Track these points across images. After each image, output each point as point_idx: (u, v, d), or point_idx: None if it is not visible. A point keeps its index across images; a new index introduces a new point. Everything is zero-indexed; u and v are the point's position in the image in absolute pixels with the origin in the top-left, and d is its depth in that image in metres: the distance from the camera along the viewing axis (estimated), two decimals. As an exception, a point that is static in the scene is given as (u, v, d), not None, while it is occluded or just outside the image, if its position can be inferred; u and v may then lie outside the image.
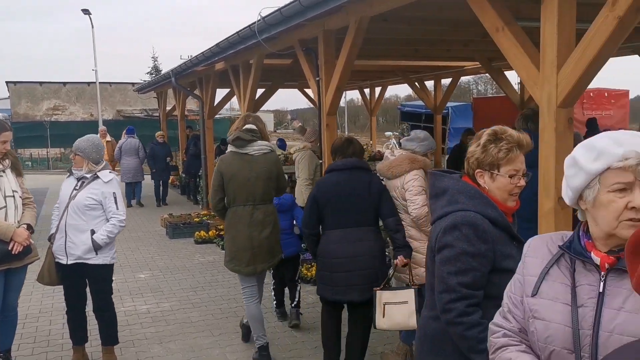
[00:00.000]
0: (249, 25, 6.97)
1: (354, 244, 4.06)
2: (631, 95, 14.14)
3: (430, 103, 14.76)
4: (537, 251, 1.75)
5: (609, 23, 3.13)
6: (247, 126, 4.78)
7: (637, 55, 10.69)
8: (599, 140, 1.60)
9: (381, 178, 4.53)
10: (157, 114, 22.78)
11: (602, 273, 1.57)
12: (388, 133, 34.99)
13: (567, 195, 1.71)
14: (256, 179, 4.62)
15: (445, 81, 15.57)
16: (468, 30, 8.47)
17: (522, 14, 5.76)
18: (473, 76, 50.19)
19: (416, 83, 14.85)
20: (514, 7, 5.79)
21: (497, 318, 1.84)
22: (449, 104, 18.03)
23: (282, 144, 15.19)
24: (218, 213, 4.82)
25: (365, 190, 4.10)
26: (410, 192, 4.14)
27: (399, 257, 4.16)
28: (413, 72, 14.50)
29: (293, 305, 5.71)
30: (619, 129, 13.69)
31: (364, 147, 14.56)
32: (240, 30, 7.38)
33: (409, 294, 3.90)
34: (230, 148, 4.75)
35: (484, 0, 4.01)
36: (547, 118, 3.57)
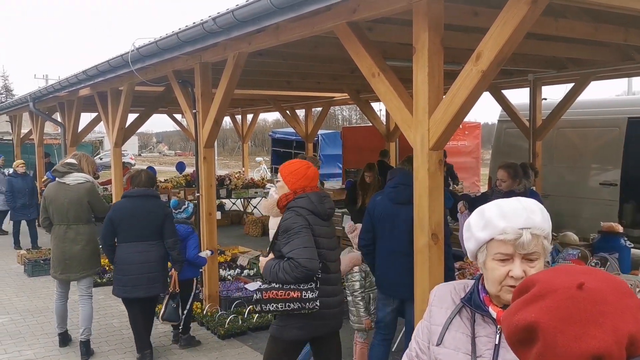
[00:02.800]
0: (122, 55, 6.73)
1: (140, 254, 5.30)
2: (482, 122, 15.54)
3: (302, 131, 15.12)
4: (442, 301, 1.85)
5: (473, 76, 3.47)
6: (68, 160, 6.07)
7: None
8: (488, 209, 1.72)
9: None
10: (9, 138, 20.96)
11: (498, 326, 1.70)
12: (259, 159, 35.10)
13: (467, 253, 1.85)
14: (69, 204, 5.72)
15: (316, 109, 16.09)
16: (338, 66, 8.88)
17: (399, 55, 6.17)
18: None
19: (287, 111, 15.16)
20: (389, 50, 6.19)
21: None
22: (320, 132, 18.64)
23: (181, 166, 14.69)
24: (46, 229, 6.00)
25: (151, 214, 5.33)
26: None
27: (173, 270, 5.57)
28: (284, 101, 14.80)
29: (180, 329, 5.92)
30: (473, 157, 14.93)
31: (237, 174, 14.46)
32: (111, 59, 7.09)
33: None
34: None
35: (360, 47, 4.25)
36: (420, 159, 3.84)
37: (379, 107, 12.97)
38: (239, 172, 15.89)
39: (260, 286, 3.53)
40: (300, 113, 15.95)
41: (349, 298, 4.76)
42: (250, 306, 6.60)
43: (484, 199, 5.67)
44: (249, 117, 18.54)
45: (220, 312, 6.54)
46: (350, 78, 10.18)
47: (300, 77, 10.12)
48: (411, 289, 3.98)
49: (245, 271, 8.62)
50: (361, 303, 4.65)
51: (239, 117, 18.71)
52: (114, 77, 7.83)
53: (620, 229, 7.15)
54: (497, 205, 1.73)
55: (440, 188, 3.87)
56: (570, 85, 9.23)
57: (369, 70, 4.24)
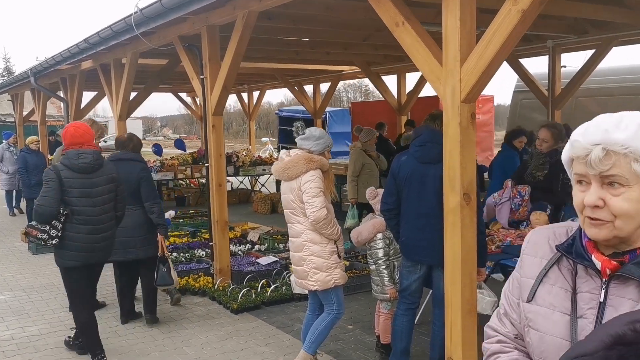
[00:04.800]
0: (124, 18, 6.41)
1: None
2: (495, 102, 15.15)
3: (310, 107, 14.77)
4: (537, 249, 1.53)
5: (512, 17, 3.15)
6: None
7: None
8: (578, 127, 1.43)
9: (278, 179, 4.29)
10: (12, 120, 20.72)
11: (604, 280, 1.37)
12: (264, 139, 34.86)
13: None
14: None
15: (324, 87, 15.74)
16: (349, 33, 8.53)
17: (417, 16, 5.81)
18: (343, 84, 51.68)
19: (295, 87, 14.80)
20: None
21: (494, 320, 1.64)
22: (327, 109, 18.26)
23: (158, 149, 14.41)
24: None
25: (125, 178, 5.17)
26: (308, 194, 3.93)
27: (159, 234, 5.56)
28: (292, 76, 14.43)
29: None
30: (486, 131, 14.58)
31: (245, 152, 14.17)
32: (113, 24, 6.78)
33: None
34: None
35: (384, -6, 3.92)
36: (450, 113, 3.53)
37: (394, 84, 12.51)
38: (247, 148, 15.58)
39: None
40: (308, 90, 15.59)
41: (372, 267, 4.49)
42: (264, 280, 6.35)
43: (524, 167, 5.34)
44: (255, 94, 18.18)
45: (232, 287, 6.29)
46: (362, 47, 9.82)
47: (310, 47, 9.75)
48: (441, 254, 3.70)
49: (257, 246, 8.36)
50: (385, 272, 4.38)
51: (244, 96, 18.36)
52: (117, 45, 7.52)
53: None
54: (585, 123, 1.41)
55: (472, 144, 3.57)
56: (590, 53, 8.86)
57: (392, 19, 3.91)
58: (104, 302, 6.27)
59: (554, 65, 9.14)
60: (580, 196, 1.37)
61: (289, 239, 4.28)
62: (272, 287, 6.23)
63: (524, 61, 9.76)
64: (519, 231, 4.78)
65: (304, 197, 3.97)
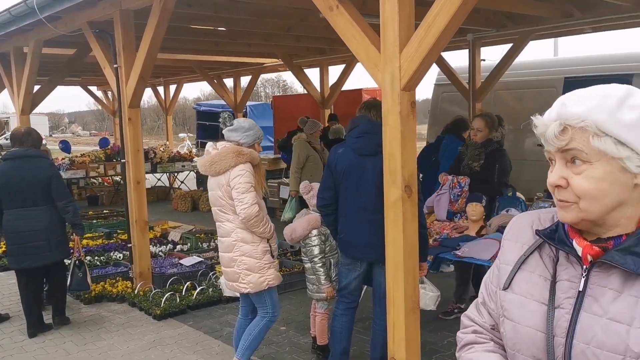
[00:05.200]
0: (25, 0, 5.80)
1: (24, 221, 4.91)
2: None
3: (231, 101, 14.34)
4: (519, 234, 1.41)
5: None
6: None
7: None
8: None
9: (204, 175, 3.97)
10: None
11: (585, 267, 1.25)
12: (182, 135, 33.86)
13: None
14: None
15: (244, 80, 15.33)
16: (272, 22, 8.25)
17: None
18: (261, 79, 51.09)
19: (214, 80, 14.31)
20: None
21: (471, 310, 1.51)
22: (248, 104, 17.87)
23: (65, 146, 13.50)
24: None
25: (33, 176, 4.91)
26: (237, 189, 3.65)
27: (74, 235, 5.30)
28: (211, 69, 13.94)
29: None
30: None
31: (162, 148, 13.55)
32: (12, 7, 6.13)
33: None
34: None
35: (316, -25, 3.69)
36: (390, 102, 3.36)
37: (317, 78, 12.32)
38: (164, 144, 14.92)
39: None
40: (228, 83, 15.14)
41: (307, 265, 4.27)
42: (188, 282, 5.99)
43: (460, 159, 5.26)
44: (172, 88, 17.48)
45: (154, 291, 5.88)
46: (284, 38, 9.56)
47: (230, 38, 9.39)
48: (381, 250, 3.53)
49: (178, 246, 7.93)
50: (322, 270, 4.16)
51: (160, 89, 17.61)
52: (18, 32, 6.85)
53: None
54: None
55: (413, 134, 3.42)
56: (508, 47, 9.06)
57: (325, 3, 3.69)
58: (7, 315, 5.68)
59: (474, 59, 9.29)
60: (549, 176, 1.27)
61: (218, 238, 3.98)
62: (198, 289, 5.87)
63: (445, 54, 9.87)
64: (453, 223, 4.72)
65: (234, 193, 3.68)
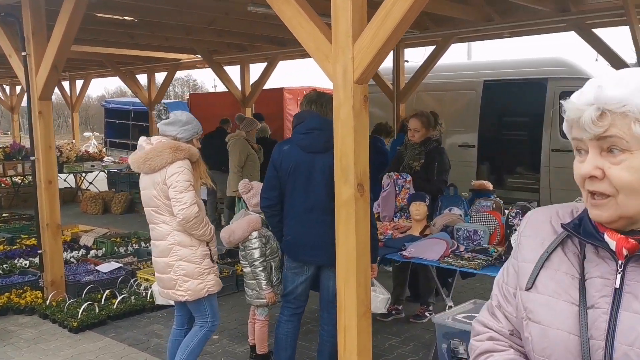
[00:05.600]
0: None
1: None
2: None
3: (145, 98, 13.64)
4: (538, 229, 1.27)
5: (414, -12, 2.88)
6: None
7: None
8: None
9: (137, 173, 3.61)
10: None
11: (620, 262, 1.14)
12: (87, 134, 32.20)
13: None
14: None
15: (158, 77, 14.68)
16: (194, 15, 7.87)
17: None
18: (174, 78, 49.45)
19: (127, 76, 13.56)
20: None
21: (483, 314, 1.36)
22: (162, 102, 17.18)
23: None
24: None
25: None
26: (175, 188, 3.34)
27: None
28: (123, 63, 13.20)
29: None
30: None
31: (70, 145, 12.67)
32: None
33: None
34: None
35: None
36: (342, 95, 3.19)
37: (237, 76, 11.96)
38: (71, 142, 13.97)
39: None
40: (141, 79, 14.45)
41: (247, 269, 4.01)
42: (108, 290, 5.54)
43: (399, 159, 5.16)
44: (79, 83, 16.43)
45: (69, 301, 5.36)
46: (205, 33, 9.18)
47: (148, 30, 8.87)
48: (331, 252, 3.35)
49: (92, 252, 7.36)
50: (262, 274, 3.92)
51: (66, 85, 16.50)
52: None
53: (491, 186, 7.21)
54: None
55: (365, 129, 3.26)
56: (430, 49, 9.19)
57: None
58: None
59: (398, 60, 9.36)
60: (578, 167, 1.16)
61: (152, 242, 3.63)
62: (119, 298, 5.42)
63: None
64: (394, 223, 4.62)
65: (171, 192, 3.36)
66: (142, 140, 3.61)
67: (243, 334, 4.75)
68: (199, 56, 12.05)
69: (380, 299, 3.67)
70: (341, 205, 3.24)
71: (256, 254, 3.92)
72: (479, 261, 3.54)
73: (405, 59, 9.69)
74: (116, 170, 13.09)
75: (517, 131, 10.00)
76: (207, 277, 3.46)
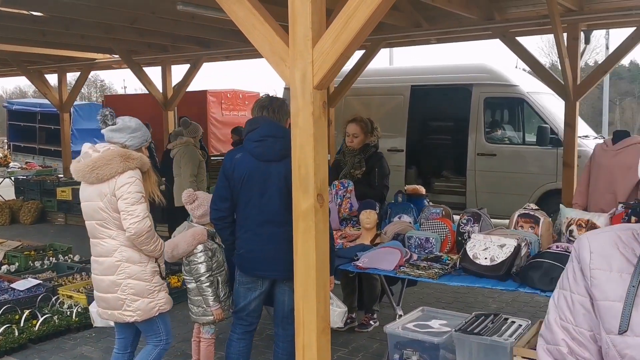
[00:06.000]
0: None
1: None
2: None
3: (55, 99, 12.80)
4: (610, 260, 1.15)
5: (380, -10, 2.78)
6: None
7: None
8: None
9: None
10: None
11: None
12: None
13: None
14: None
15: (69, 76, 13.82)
16: (116, 12, 7.43)
17: None
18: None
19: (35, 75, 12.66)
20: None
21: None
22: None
23: None
24: None
25: None
26: (127, 200, 3.06)
27: None
28: (31, 62, 12.32)
29: None
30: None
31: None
32: None
33: None
34: None
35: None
36: (301, 101, 3.03)
37: (158, 77, 11.42)
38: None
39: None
40: (51, 80, 13.56)
41: (191, 285, 3.75)
42: (27, 310, 5.07)
43: (338, 167, 5.04)
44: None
45: (-17, 325, 4.84)
46: (126, 32, 8.71)
47: (63, 26, 8.28)
48: (287, 266, 3.18)
49: (4, 267, 6.74)
50: (209, 290, 3.68)
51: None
52: None
53: (424, 190, 7.30)
54: None
55: (324, 137, 3.12)
56: (359, 54, 9.21)
57: (220, -13, 3.25)
58: None
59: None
60: None
61: (93, 258, 3.31)
62: (41, 318, 4.95)
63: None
64: (341, 231, 4.52)
65: (121, 204, 3.08)
66: (87, 147, 3.28)
67: (184, 352, 4.48)
68: (116, 56, 11.49)
69: (337, 312, 3.55)
70: (300, 216, 3.08)
71: (202, 268, 3.68)
72: (435, 270, 3.49)
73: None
74: (24, 177, 12.18)
75: (444, 135, 10.25)
76: (157, 294, 3.20)
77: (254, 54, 10.41)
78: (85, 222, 3.27)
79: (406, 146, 9.44)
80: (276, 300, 3.44)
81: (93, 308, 3.55)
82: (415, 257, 3.79)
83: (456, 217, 4.25)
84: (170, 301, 3.31)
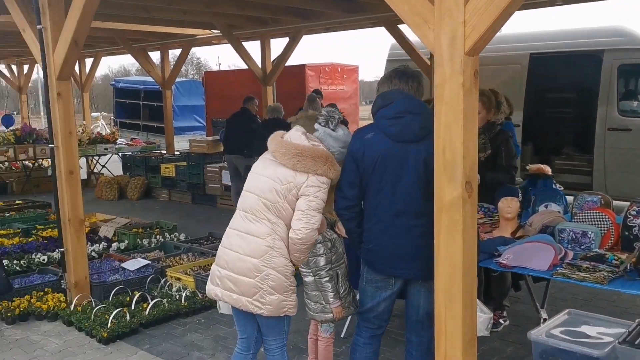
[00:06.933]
0: None
1: None
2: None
3: (158, 76, 12.97)
4: None
5: None
6: None
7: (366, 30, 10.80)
8: None
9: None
10: None
11: None
12: (95, 114, 31.65)
13: None
14: None
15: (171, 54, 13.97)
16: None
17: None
18: (173, 56, 48.38)
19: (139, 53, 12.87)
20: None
21: None
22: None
23: (8, 120, 11.59)
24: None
25: None
26: (311, 203, 2.75)
27: None
28: (136, 41, 12.51)
29: None
30: (352, 103, 14.03)
31: (81, 128, 12.05)
32: None
33: None
34: None
35: None
36: (449, 70, 2.53)
37: (250, 48, 11.22)
38: (82, 124, 13.34)
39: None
40: (154, 57, 13.73)
41: (309, 279, 3.39)
42: (137, 293, 4.96)
43: None
44: (88, 62, 15.76)
45: (97, 307, 4.78)
46: (228, 5, 8.48)
47: (167, 1, 8.17)
48: (425, 264, 2.74)
49: (114, 244, 6.78)
50: (329, 285, 3.31)
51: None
52: None
53: (549, 171, 6.55)
54: None
55: (476, 114, 2.62)
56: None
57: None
58: None
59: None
60: None
61: (235, 232, 2.91)
62: (152, 302, 4.83)
63: (403, 27, 9.14)
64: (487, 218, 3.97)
65: (303, 203, 2.77)
66: (300, 131, 2.94)
67: (295, 345, 4.17)
68: (216, 31, 11.39)
69: (482, 318, 3.06)
70: (443, 208, 2.60)
71: (322, 261, 3.30)
72: (604, 273, 2.90)
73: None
74: (130, 153, 12.48)
75: (566, 108, 9.29)
76: (291, 295, 2.86)
77: (356, 24, 9.92)
78: (246, 191, 2.93)
79: (523, 120, 8.61)
80: (409, 303, 3.00)
81: (219, 291, 3.15)
82: (570, 254, 3.21)
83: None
84: (296, 306, 2.95)
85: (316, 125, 3.00)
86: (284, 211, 2.80)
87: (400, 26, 9.08)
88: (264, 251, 2.80)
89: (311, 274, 3.38)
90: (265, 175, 2.86)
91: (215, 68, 45.98)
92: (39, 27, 4.68)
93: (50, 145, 4.88)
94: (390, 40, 9.85)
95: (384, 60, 10.71)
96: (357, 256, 3.25)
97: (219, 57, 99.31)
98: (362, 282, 3.08)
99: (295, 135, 2.91)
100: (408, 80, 2.94)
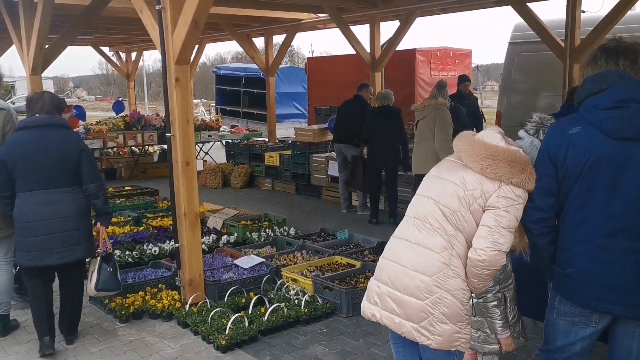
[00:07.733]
0: None
1: (48, 206, 3.89)
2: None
3: (262, 63, 12.73)
4: None
5: None
6: None
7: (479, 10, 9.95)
8: None
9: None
10: None
11: None
12: (195, 100, 32.48)
13: None
14: None
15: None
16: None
17: None
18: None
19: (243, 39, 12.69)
20: None
21: None
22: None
23: (80, 112, 11.97)
24: None
25: (61, 151, 3.92)
26: (502, 218, 2.23)
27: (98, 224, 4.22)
28: (240, 26, 12.33)
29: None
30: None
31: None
32: None
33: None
34: None
35: None
36: None
37: (366, 36, 10.67)
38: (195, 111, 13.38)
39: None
40: (257, 43, 13.54)
41: (472, 301, 2.82)
42: (255, 295, 4.60)
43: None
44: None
45: (214, 309, 4.45)
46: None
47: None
48: (648, 300, 2.09)
49: (224, 237, 6.50)
50: (498, 310, 2.74)
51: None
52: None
53: None
54: None
55: None
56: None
57: None
58: (16, 321, 4.55)
59: (573, 11, 7.69)
60: None
61: (405, 241, 2.41)
62: (270, 307, 4.44)
63: (533, 5, 8.23)
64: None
65: (491, 217, 2.25)
66: (496, 130, 2.42)
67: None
68: (322, 15, 10.95)
69: None
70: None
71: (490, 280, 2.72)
72: None
73: (582, 8, 7.97)
74: (232, 141, 12.36)
75: None
76: (466, 327, 2.31)
77: (478, 3, 9.10)
78: (421, 196, 2.43)
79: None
80: (616, 346, 2.36)
81: (375, 309, 2.65)
82: None
83: None
84: (469, 342, 2.39)
85: (520, 133, 2.43)
86: (466, 222, 2.25)
87: (530, 4, 8.18)
88: (438, 268, 2.26)
89: (474, 295, 2.81)
90: (444, 177, 2.32)
91: (308, 55, 45.97)
92: (158, 7, 4.38)
93: (167, 134, 4.59)
94: (512, 20, 8.99)
95: (501, 43, 9.83)
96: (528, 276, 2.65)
97: (312, 44, 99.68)
98: (551, 313, 2.46)
99: (490, 134, 2.34)
100: (619, 58, 2.27)
